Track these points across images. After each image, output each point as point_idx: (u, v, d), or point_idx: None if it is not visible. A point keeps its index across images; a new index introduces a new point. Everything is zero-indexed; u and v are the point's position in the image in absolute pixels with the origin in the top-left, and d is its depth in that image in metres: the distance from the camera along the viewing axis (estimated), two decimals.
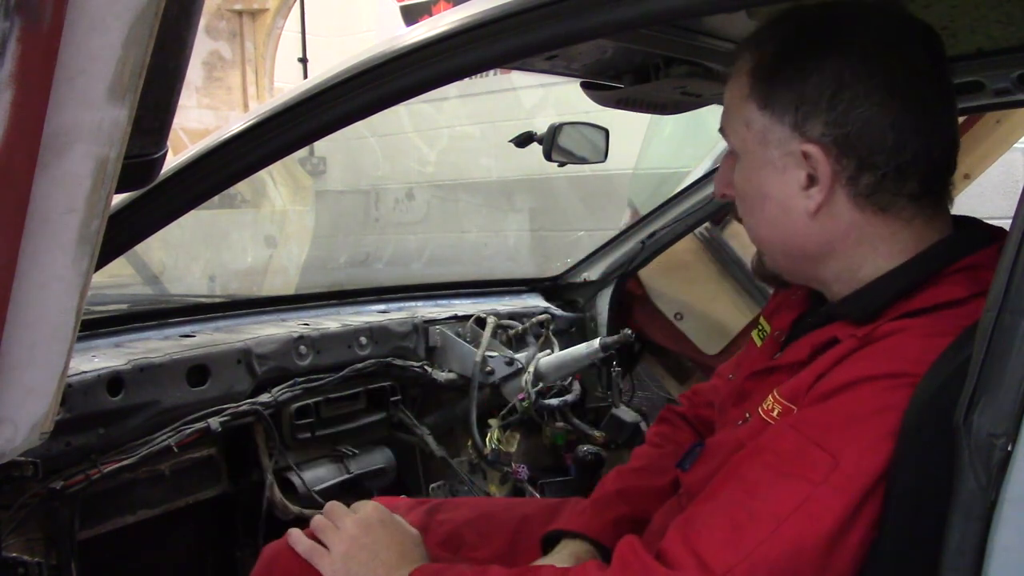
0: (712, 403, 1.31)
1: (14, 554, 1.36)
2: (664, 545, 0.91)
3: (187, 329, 1.77)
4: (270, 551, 1.22)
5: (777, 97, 0.97)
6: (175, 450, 1.55)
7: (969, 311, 0.86)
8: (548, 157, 1.89)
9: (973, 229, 1.01)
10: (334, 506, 1.19)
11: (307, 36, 9.80)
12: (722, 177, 1.08)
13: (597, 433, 2.26)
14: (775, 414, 0.96)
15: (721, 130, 1.07)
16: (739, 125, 1.01)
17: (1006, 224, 0.86)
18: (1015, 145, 2.21)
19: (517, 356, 2.14)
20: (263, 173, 6.40)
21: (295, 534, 1.17)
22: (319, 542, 1.14)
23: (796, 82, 0.95)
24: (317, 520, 1.17)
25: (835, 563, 0.86)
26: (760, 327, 1.20)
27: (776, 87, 0.97)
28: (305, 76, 9.29)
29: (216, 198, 1.29)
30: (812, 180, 0.96)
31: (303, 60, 9.79)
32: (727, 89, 1.04)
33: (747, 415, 1.04)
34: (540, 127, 1.92)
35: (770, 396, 0.98)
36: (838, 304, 1.01)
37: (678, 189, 2.47)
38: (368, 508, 1.17)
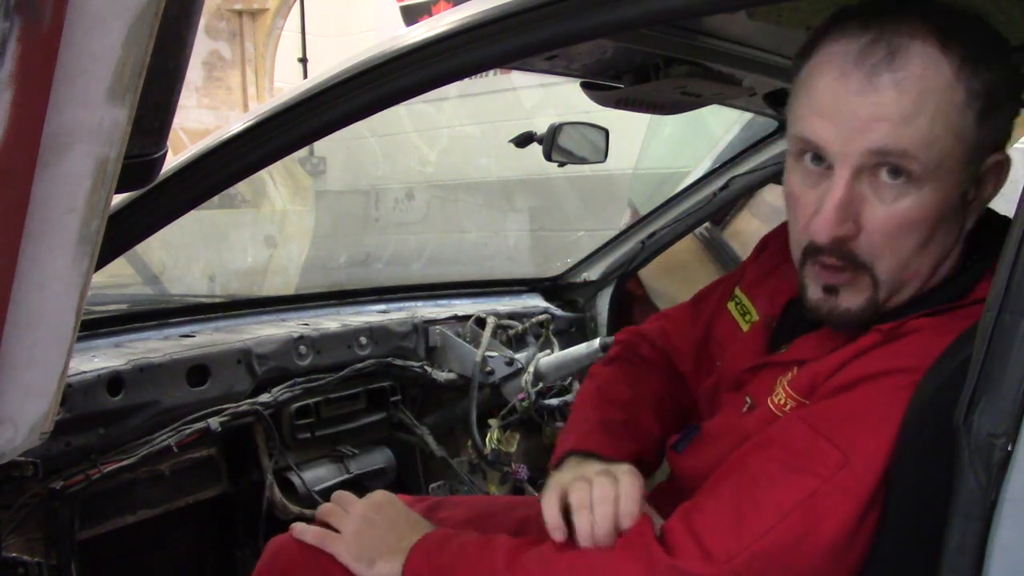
0: (658, 347, 1.28)
1: (14, 554, 1.36)
2: (667, 529, 0.91)
3: (187, 329, 1.77)
4: (274, 545, 1.22)
5: (998, 102, 0.88)
6: (175, 450, 1.55)
7: None
8: (548, 157, 1.89)
9: (993, 223, 1.00)
10: (342, 493, 1.20)
11: (307, 36, 9.80)
12: (844, 215, 0.89)
13: None
14: (787, 409, 0.95)
15: (882, 152, 0.87)
16: (946, 139, 0.87)
17: None
18: (1015, 145, 2.20)
19: (517, 356, 2.14)
20: (263, 173, 6.40)
21: (300, 526, 1.17)
22: (327, 530, 1.14)
23: (1002, 82, 0.88)
24: (324, 507, 1.18)
25: (840, 562, 0.86)
26: (737, 300, 1.17)
27: (997, 90, 0.87)
28: (305, 76, 9.29)
29: (216, 198, 1.29)
30: (978, 191, 0.93)
31: (303, 60, 9.79)
32: (905, 98, 0.86)
33: (748, 400, 1.03)
34: (540, 127, 1.92)
35: (780, 389, 0.97)
36: (892, 312, 0.96)
37: (678, 189, 2.47)
38: (378, 493, 1.18)
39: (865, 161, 0.88)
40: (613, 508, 0.93)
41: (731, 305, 1.19)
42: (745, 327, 1.14)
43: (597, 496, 0.95)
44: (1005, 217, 1.01)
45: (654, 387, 1.24)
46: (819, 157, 0.92)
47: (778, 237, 1.18)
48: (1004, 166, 0.93)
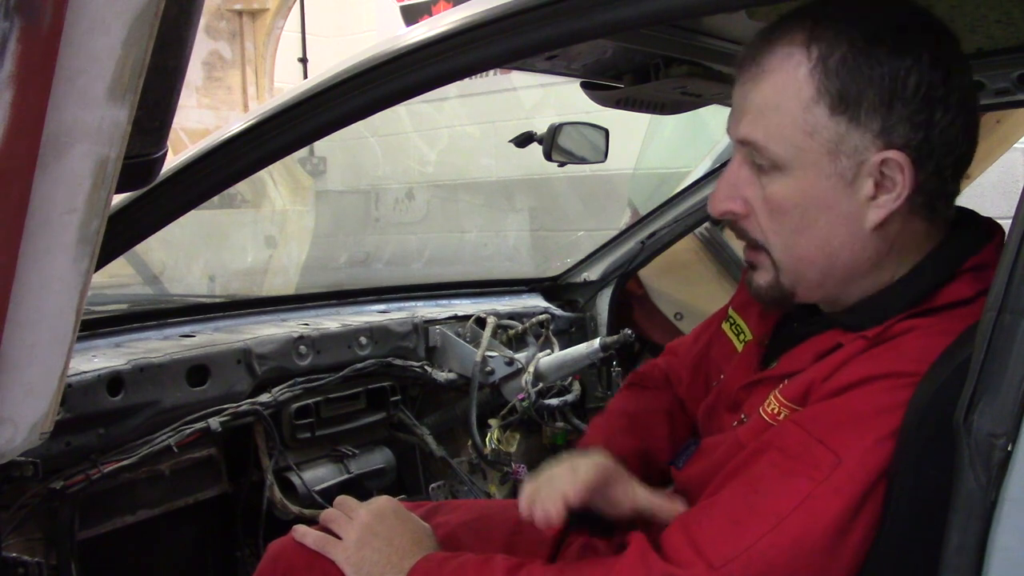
0: (670, 381, 1.31)
1: (14, 554, 1.36)
2: (665, 538, 0.92)
3: (187, 329, 1.77)
4: (275, 547, 1.22)
5: (861, 99, 0.88)
6: (175, 450, 1.55)
7: (974, 310, 0.86)
8: (548, 157, 1.89)
9: (971, 225, 1.01)
10: (346, 498, 1.20)
11: (307, 36, 9.79)
12: (728, 190, 0.97)
13: None
14: (781, 417, 0.96)
15: (743, 141, 0.95)
16: (795, 135, 0.91)
17: (1006, 224, 0.86)
18: (1015, 145, 2.21)
19: (517, 356, 2.14)
20: (263, 173, 6.39)
21: (301, 529, 1.17)
22: (329, 535, 1.14)
23: (886, 80, 0.88)
24: (328, 512, 1.18)
25: (835, 562, 0.86)
26: (731, 320, 1.19)
27: (860, 87, 0.88)
28: (305, 76, 9.29)
29: (216, 198, 1.29)
30: (878, 188, 0.91)
31: (303, 60, 9.78)
32: (761, 89, 0.92)
33: (743, 416, 1.03)
34: (540, 127, 1.92)
35: (772, 399, 0.98)
36: (843, 314, 0.99)
37: (678, 189, 2.47)
38: (381, 500, 1.18)
39: (741, 147, 0.96)
40: (558, 485, 0.99)
41: (726, 326, 1.20)
42: (739, 346, 1.15)
43: (546, 476, 1.02)
44: (989, 220, 1.02)
45: (666, 398, 1.28)
46: None
47: None
48: (902, 165, 0.90)
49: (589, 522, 1.06)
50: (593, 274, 2.47)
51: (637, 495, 1.03)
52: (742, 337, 1.16)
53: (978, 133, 0.97)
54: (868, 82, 0.88)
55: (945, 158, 0.92)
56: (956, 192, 0.97)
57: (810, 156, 0.91)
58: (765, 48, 0.93)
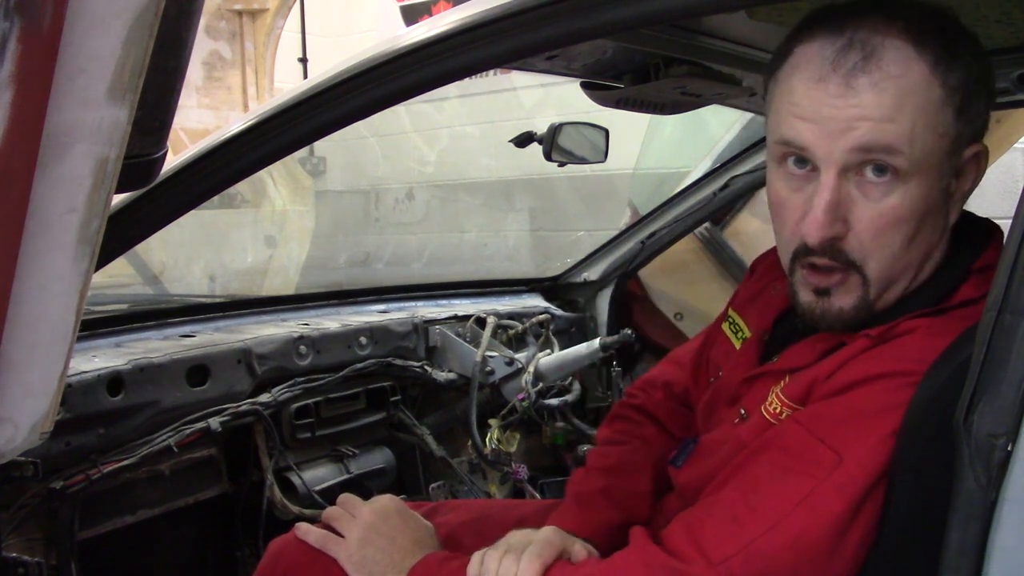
0: (673, 392, 1.29)
1: (14, 554, 1.36)
2: (666, 535, 0.92)
3: (187, 329, 1.77)
4: (276, 545, 1.22)
5: (972, 96, 0.89)
6: (175, 450, 1.55)
7: (977, 311, 0.87)
8: (548, 157, 1.89)
9: (975, 226, 1.01)
10: (349, 497, 1.20)
11: (307, 36, 9.79)
12: (834, 214, 0.90)
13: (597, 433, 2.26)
14: (783, 416, 0.96)
15: (865, 149, 0.87)
16: (927, 136, 0.87)
17: (1006, 224, 0.86)
18: (1015, 145, 2.21)
19: (517, 356, 2.14)
20: (263, 173, 6.39)
21: (304, 526, 1.17)
22: (331, 533, 1.14)
23: (973, 76, 0.89)
24: (331, 510, 1.18)
25: (835, 561, 0.86)
26: (731, 320, 1.19)
27: (968, 85, 0.88)
28: (305, 76, 9.29)
29: (216, 198, 1.29)
30: (958, 183, 0.93)
31: (303, 60, 9.79)
32: (884, 95, 0.87)
33: (743, 412, 1.03)
34: (540, 127, 1.92)
35: (774, 397, 0.98)
36: (874, 318, 0.96)
37: (678, 189, 2.47)
38: (384, 499, 1.18)
39: (850, 160, 0.89)
40: (509, 564, 0.95)
41: (725, 326, 1.20)
42: (738, 344, 1.15)
43: (502, 547, 0.99)
44: (987, 220, 1.02)
45: (648, 439, 1.24)
46: (802, 160, 0.92)
47: (764, 259, 1.20)
48: (982, 157, 0.94)
49: None
50: (593, 274, 2.47)
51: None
52: (740, 335, 1.16)
53: None
54: (970, 78, 0.89)
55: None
56: None
57: (936, 158, 0.89)
58: (867, 55, 0.88)
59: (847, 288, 0.93)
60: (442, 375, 2.07)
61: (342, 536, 1.13)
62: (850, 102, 0.87)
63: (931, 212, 0.92)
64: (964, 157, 0.93)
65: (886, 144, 0.87)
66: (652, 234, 2.39)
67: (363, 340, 1.91)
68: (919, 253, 0.93)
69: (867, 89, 0.87)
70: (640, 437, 1.25)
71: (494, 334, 2.14)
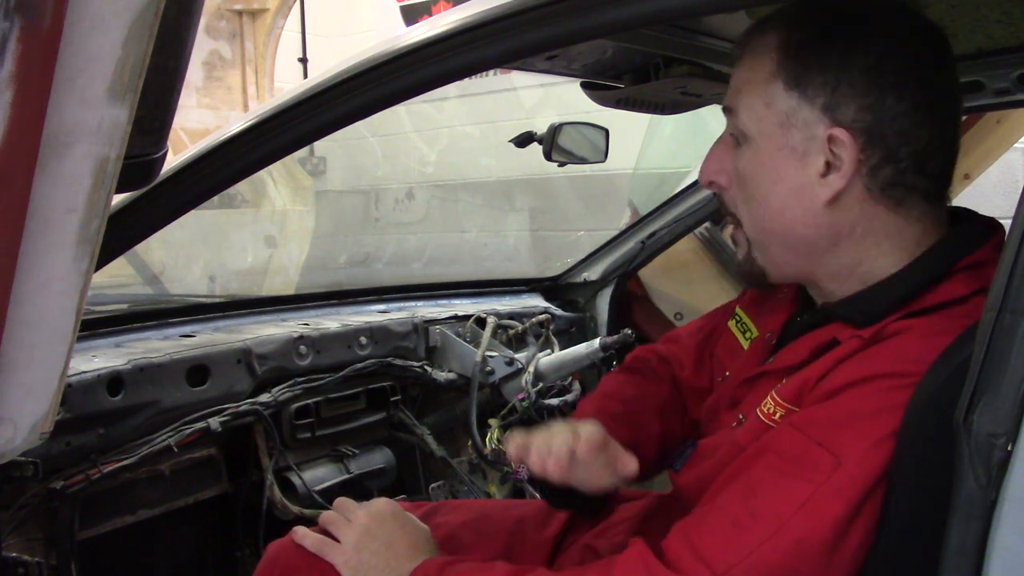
0: (667, 360, 1.31)
1: (14, 554, 1.36)
2: (666, 545, 0.92)
3: (187, 329, 1.77)
4: (274, 548, 1.22)
5: (811, 77, 0.94)
6: (175, 450, 1.55)
7: (970, 309, 0.86)
8: (548, 157, 1.89)
9: (970, 224, 1.01)
10: (345, 500, 1.19)
11: (307, 36, 9.79)
12: (715, 162, 1.04)
13: None
14: (777, 417, 0.95)
15: (726, 110, 1.03)
16: (757, 105, 0.98)
17: (1006, 224, 0.86)
18: (1015, 145, 2.21)
19: (517, 356, 2.14)
20: (263, 173, 6.40)
21: (300, 530, 1.17)
22: (327, 537, 1.14)
23: (835, 63, 0.93)
24: (327, 514, 1.18)
25: (836, 563, 0.86)
26: (738, 318, 1.19)
27: (811, 66, 0.94)
28: (305, 76, 9.29)
29: (216, 198, 1.29)
30: (829, 167, 0.95)
31: (303, 60, 9.79)
32: (742, 68, 1.00)
33: (741, 416, 1.03)
34: (540, 127, 1.92)
35: (769, 399, 0.98)
36: (838, 305, 1.00)
37: (678, 189, 2.47)
38: (380, 502, 1.18)
39: (727, 121, 1.03)
40: (559, 440, 1.02)
41: (732, 323, 1.20)
42: (745, 344, 1.15)
43: (543, 434, 1.05)
44: (990, 219, 1.02)
45: (660, 392, 1.27)
46: None
47: None
48: (846, 143, 0.94)
49: (571, 498, 1.07)
50: (593, 274, 2.47)
51: (627, 464, 1.05)
52: (748, 335, 1.16)
53: (953, 132, 0.99)
54: (820, 62, 0.94)
55: (900, 147, 0.94)
56: (927, 187, 0.97)
57: (767, 126, 0.97)
58: (755, 32, 1.01)
59: (740, 243, 1.06)
60: (442, 375, 2.07)
61: (338, 541, 1.13)
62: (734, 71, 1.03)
63: (777, 179, 0.98)
64: (818, 138, 0.95)
65: (730, 107, 1.01)
66: (652, 234, 2.39)
67: (363, 340, 1.91)
68: (781, 219, 0.99)
69: (738, 60, 1.02)
70: (650, 389, 1.28)
71: (494, 334, 2.14)
